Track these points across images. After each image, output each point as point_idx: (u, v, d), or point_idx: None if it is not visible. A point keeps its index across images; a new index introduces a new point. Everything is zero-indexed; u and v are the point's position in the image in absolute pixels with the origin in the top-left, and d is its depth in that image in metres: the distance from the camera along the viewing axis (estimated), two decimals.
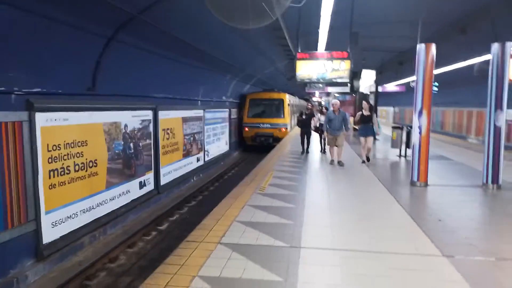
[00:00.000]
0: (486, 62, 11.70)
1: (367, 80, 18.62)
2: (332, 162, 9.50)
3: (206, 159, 13.66)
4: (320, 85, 17.22)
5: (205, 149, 13.60)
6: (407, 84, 20.39)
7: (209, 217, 5.12)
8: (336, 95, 27.27)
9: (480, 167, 8.90)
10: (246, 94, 19.38)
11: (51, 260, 5.92)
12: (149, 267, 6.21)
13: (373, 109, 9.59)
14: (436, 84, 17.03)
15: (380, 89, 20.49)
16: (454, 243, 4.17)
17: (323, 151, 11.67)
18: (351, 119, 12.29)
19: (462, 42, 11.87)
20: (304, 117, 11.61)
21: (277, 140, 17.28)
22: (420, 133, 6.77)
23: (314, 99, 48.77)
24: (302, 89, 33.80)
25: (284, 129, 18.57)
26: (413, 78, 17.63)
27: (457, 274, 3.41)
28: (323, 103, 59.57)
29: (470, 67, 12.76)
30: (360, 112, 9.73)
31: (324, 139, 11.28)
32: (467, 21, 11.01)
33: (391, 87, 22.20)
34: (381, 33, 12.97)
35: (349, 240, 4.25)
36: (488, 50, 10.44)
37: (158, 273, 3.44)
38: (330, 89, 21.20)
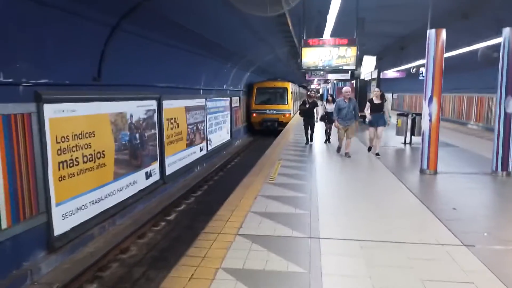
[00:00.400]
0: (490, 47, 11.72)
1: (368, 66, 18.52)
2: (339, 150, 9.21)
3: (209, 148, 13.61)
4: (321, 72, 17.09)
5: (208, 139, 13.54)
6: (408, 70, 20.31)
7: (224, 207, 5.11)
8: (334, 81, 27.20)
9: (486, 153, 9.01)
10: (253, 83, 20.62)
11: (63, 252, 5.90)
12: (161, 258, 6.23)
13: (384, 97, 8.88)
14: None
15: (380, 75, 20.44)
16: (472, 232, 4.18)
17: (327, 141, 11.35)
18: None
19: (464, 27, 11.79)
20: (307, 106, 11.02)
21: (282, 124, 19.07)
22: (430, 120, 6.74)
23: (312, 86, 48.55)
24: (300, 76, 33.72)
25: (288, 115, 20.34)
26: (415, 63, 17.65)
27: (480, 263, 3.43)
28: (320, 90, 59.39)
29: (471, 52, 12.68)
30: (370, 99, 9.09)
31: (330, 129, 11.00)
32: (470, 6, 10.93)
33: (391, 73, 22.08)
34: (383, 17, 12.85)
35: (368, 230, 4.25)
36: (492, 36, 10.43)
37: (181, 266, 3.44)
38: (329, 76, 21.06)
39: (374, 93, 8.93)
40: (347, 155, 8.87)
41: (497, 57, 11.73)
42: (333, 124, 9.92)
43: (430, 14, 6.84)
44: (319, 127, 12.27)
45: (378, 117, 8.72)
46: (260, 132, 20.39)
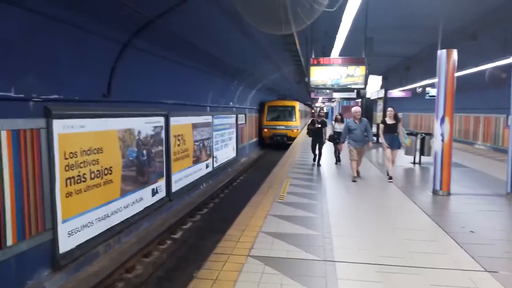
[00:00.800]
0: (498, 68, 11.72)
1: (373, 85, 18.59)
2: (355, 179, 8.31)
3: (215, 165, 13.52)
4: (328, 90, 17.12)
5: (214, 156, 13.47)
6: (413, 89, 20.34)
7: (234, 227, 4.98)
8: (339, 100, 27.23)
9: (498, 174, 8.88)
10: (265, 101, 23.16)
11: (67, 270, 5.77)
12: (167, 278, 6.08)
13: (398, 117, 8.31)
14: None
15: (382, 94, 20.45)
16: (493, 257, 4.03)
17: (337, 162, 10.81)
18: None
19: (472, 48, 11.83)
20: (316, 125, 10.44)
21: (291, 139, 21.40)
22: (442, 140, 6.64)
23: (317, 104, 48.71)
24: (305, 94, 33.87)
25: (296, 130, 22.64)
26: (421, 83, 17.67)
27: None
28: (325, 109, 59.59)
29: (477, 73, 12.67)
30: (382, 120, 8.50)
31: (339, 150, 10.50)
32: (478, 27, 10.98)
33: (396, 92, 22.11)
34: (390, 38, 12.94)
35: (384, 253, 4.11)
36: (500, 57, 10.43)
37: None
38: (335, 95, 21.10)
39: (388, 113, 8.42)
40: (358, 174, 8.50)
41: (505, 77, 11.82)
42: (338, 145, 10.00)
43: (440, 35, 6.82)
44: (327, 148, 11.85)
45: (392, 139, 8.12)
46: (270, 145, 22.75)
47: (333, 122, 11.14)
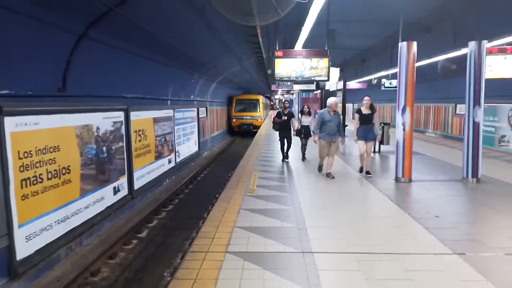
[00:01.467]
0: (449, 60, 12.35)
1: (331, 77, 18.92)
2: (320, 168, 8.12)
3: (177, 160, 13.21)
4: (288, 83, 17.24)
5: (176, 150, 13.15)
6: (369, 81, 21.00)
7: (207, 223, 4.87)
8: (298, 92, 27.55)
9: (453, 161, 9.40)
10: (232, 96, 27.17)
11: (26, 278, 5.38)
12: (136, 279, 5.85)
13: (373, 107, 7.67)
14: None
15: (341, 86, 20.96)
16: (460, 240, 4.23)
17: (303, 158, 10.16)
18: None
19: (426, 40, 12.36)
20: (283, 118, 9.75)
21: (256, 127, 24.82)
22: (404, 129, 6.88)
23: (276, 96, 49.20)
24: (265, 86, 33.99)
25: (260, 120, 26.85)
26: (376, 75, 18.25)
27: (475, 272, 3.44)
28: (283, 100, 60.18)
29: (428, 64, 13.28)
30: (358, 110, 7.88)
31: (305, 145, 10.15)
32: (431, 21, 11.48)
33: (353, 84, 22.73)
34: (346, 31, 13.21)
35: (359, 242, 4.18)
36: (450, 49, 10.98)
37: None
38: (295, 87, 21.32)
39: (364, 103, 7.77)
40: (329, 176, 7.60)
41: (455, 69, 12.49)
42: (311, 138, 9.04)
43: (401, 28, 7.03)
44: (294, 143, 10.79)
45: (368, 130, 7.51)
46: (233, 136, 26.59)
47: (299, 115, 10.61)
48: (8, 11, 4.71)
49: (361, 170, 7.96)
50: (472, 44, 6.77)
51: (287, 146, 9.94)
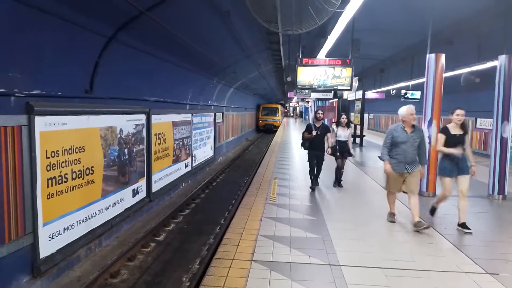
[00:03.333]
0: (472, 73, 12.16)
1: None
2: (392, 217, 5.55)
3: (194, 164, 13.26)
4: (306, 91, 17.21)
5: (193, 155, 13.20)
6: (387, 91, 20.80)
7: (231, 230, 4.84)
8: (314, 100, 27.47)
9: (478, 176, 9.20)
10: (260, 104, 37.34)
11: (48, 276, 5.43)
12: (155, 283, 5.84)
13: (466, 125, 5.54)
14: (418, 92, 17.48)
15: (359, 95, 20.84)
16: (491, 259, 4.12)
17: (338, 183, 7.92)
18: None
19: (448, 52, 12.22)
20: (315, 133, 7.38)
21: (276, 127, 34.29)
22: (429, 143, 6.77)
23: (291, 104, 49.61)
24: (280, 93, 34.07)
25: (278, 122, 36.81)
26: (395, 86, 18.08)
27: None
28: (298, 108, 60.20)
29: (449, 77, 13.08)
30: (443, 128, 5.53)
31: (342, 167, 7.83)
32: (453, 32, 11.34)
33: (370, 94, 22.56)
34: (368, 40, 13.15)
35: (387, 256, 4.10)
36: (474, 62, 10.81)
37: None
38: (312, 95, 21.23)
39: (453, 117, 5.45)
40: (420, 226, 4.98)
41: (479, 82, 12.29)
42: (341, 160, 7.63)
43: (429, 39, 6.94)
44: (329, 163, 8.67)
45: (458, 161, 5.33)
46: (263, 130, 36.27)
47: (334, 127, 8.10)
48: (42, 12, 4.80)
49: (432, 212, 5.87)
50: (502, 58, 6.65)
51: (317, 170, 7.63)
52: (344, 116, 8.18)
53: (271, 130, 34.04)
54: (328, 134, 7.64)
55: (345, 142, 7.80)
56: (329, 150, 7.63)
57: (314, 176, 7.66)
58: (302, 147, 7.73)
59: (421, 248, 4.38)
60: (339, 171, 7.91)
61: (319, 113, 7.74)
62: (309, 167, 7.70)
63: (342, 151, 7.74)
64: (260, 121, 36.91)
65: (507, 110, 6.63)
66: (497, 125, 6.75)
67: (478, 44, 11.34)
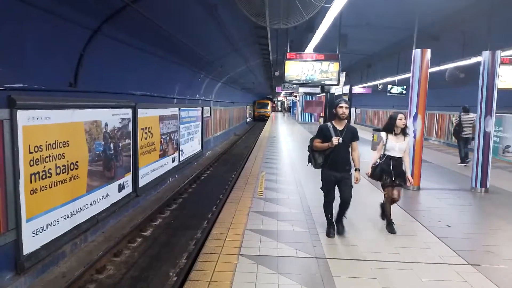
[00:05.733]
0: (457, 68, 12.34)
1: None
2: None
3: (181, 159, 13.19)
4: (294, 85, 17.23)
5: (180, 149, 13.12)
6: (374, 86, 20.98)
7: (218, 225, 4.83)
8: (302, 95, 27.54)
9: (459, 169, 9.38)
10: (255, 100, 50.83)
11: (32, 273, 5.35)
12: (142, 278, 5.81)
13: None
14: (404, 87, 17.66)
15: (346, 90, 20.98)
16: (473, 251, 4.21)
17: (388, 222, 4.87)
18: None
19: (434, 48, 12.36)
20: (338, 140, 4.39)
21: (266, 117, 46.02)
22: (414, 137, 6.86)
23: (279, 98, 50.99)
24: (267, 87, 34.01)
25: (268, 113, 49.52)
26: (382, 81, 18.22)
27: (492, 284, 3.41)
28: (286, 102, 60.57)
29: (434, 72, 13.25)
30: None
31: (396, 199, 4.88)
32: (439, 28, 11.48)
33: (357, 89, 22.71)
34: (356, 36, 13.21)
35: (373, 249, 4.15)
36: (459, 58, 10.97)
37: None
38: (300, 89, 21.29)
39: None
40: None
41: (463, 77, 12.47)
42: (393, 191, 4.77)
43: (416, 34, 7.01)
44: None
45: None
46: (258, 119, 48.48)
47: (383, 134, 4.88)
48: (24, 4, 4.68)
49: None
50: (486, 54, 6.75)
51: (341, 203, 4.62)
52: (401, 116, 4.79)
53: (263, 118, 46.50)
54: (355, 144, 4.58)
55: (400, 160, 4.82)
56: (369, 170, 4.91)
57: (337, 214, 4.69)
58: (311, 164, 4.66)
59: (405, 241, 4.45)
60: (387, 208, 4.92)
61: (341, 107, 4.43)
62: (324, 198, 4.66)
63: (395, 173, 4.77)
64: (256, 113, 51.16)
65: (490, 105, 6.75)
66: (481, 119, 6.86)
67: (463, 40, 11.51)
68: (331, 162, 4.46)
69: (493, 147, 9.88)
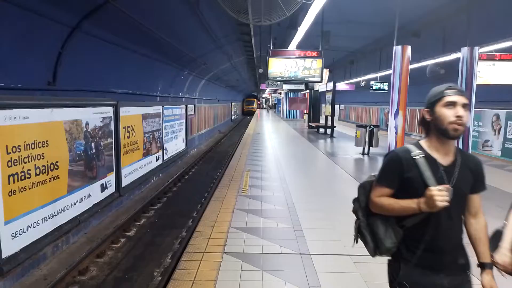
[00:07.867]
0: (438, 65, 12.55)
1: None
2: None
3: (165, 158, 13.06)
4: (278, 82, 17.26)
5: (164, 148, 13.00)
6: (357, 83, 21.19)
7: (202, 223, 4.81)
8: (286, 92, 27.58)
9: None
10: (244, 98, 59.64)
11: (12, 276, 5.23)
12: (126, 279, 5.74)
13: None
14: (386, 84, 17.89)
15: (330, 87, 21.12)
16: None
17: None
18: None
19: (415, 44, 12.54)
20: (446, 196, 1.54)
21: (253, 112, 52.65)
22: (396, 133, 6.96)
23: (263, 95, 51.06)
24: (252, 85, 33.95)
25: (255, 109, 58.19)
26: (365, 77, 18.41)
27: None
28: (270, 99, 61.44)
29: (416, 68, 13.46)
30: None
31: None
32: (420, 25, 11.65)
33: (341, 85, 22.89)
34: (338, 32, 13.31)
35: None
36: (439, 54, 11.16)
37: None
38: (284, 86, 21.33)
39: None
40: None
41: (444, 73, 12.70)
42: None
43: (396, 31, 7.09)
44: None
45: None
46: (247, 113, 55.61)
47: None
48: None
49: None
50: (465, 50, 6.89)
51: None
52: None
53: (251, 113, 53.04)
54: (476, 200, 1.88)
55: None
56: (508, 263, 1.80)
57: None
58: (366, 246, 2.09)
59: None
60: None
61: (454, 104, 1.67)
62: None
63: None
64: (245, 108, 59.51)
65: (469, 100, 6.88)
66: None
67: (443, 36, 11.71)
68: (430, 249, 1.77)
69: (472, 141, 10.10)
